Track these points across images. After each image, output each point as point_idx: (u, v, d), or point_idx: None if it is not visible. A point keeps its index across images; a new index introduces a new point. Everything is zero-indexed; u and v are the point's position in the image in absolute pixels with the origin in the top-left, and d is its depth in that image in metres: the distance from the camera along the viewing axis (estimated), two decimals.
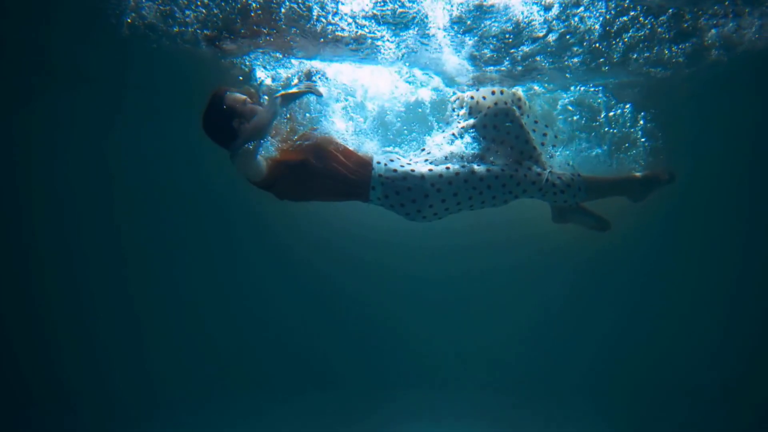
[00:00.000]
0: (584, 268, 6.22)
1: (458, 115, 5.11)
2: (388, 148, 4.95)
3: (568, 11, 5.45)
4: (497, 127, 4.82)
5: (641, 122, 6.59)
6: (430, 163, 4.77)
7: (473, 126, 4.84)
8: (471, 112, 5.01)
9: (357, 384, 6.97)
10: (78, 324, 7.32)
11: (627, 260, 6.10)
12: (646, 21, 6.06)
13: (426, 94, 6.64)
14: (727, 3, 5.49)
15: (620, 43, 5.96)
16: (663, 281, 6.76)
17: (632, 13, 5.87)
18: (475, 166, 4.64)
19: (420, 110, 6.51)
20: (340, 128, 4.98)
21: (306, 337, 7.09)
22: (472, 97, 5.02)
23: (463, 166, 4.61)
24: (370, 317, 6.95)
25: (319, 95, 4.51)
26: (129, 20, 5.43)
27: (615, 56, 6.17)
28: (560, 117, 6.56)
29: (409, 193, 4.46)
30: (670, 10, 5.89)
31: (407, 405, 6.90)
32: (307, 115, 4.90)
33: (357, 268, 6.81)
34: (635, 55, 6.26)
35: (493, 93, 4.96)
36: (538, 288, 6.71)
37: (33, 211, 7.39)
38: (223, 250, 7.56)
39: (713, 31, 5.92)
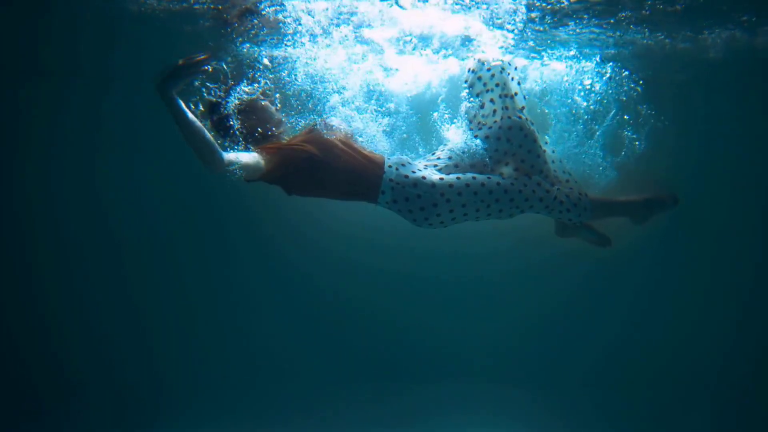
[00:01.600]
0: (596, 266, 6.10)
1: (465, 82, 5.12)
2: (394, 157, 4.89)
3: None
4: (510, 141, 4.80)
5: (638, 88, 6.44)
6: (440, 170, 4.76)
7: (486, 137, 4.82)
8: (471, 87, 5.02)
9: (372, 379, 6.92)
10: (80, 319, 7.17)
11: (639, 257, 5.97)
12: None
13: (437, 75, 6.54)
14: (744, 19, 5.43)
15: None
16: (676, 278, 6.61)
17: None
18: (486, 179, 4.63)
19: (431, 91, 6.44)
20: (350, 122, 4.91)
21: (315, 335, 7.01)
22: (472, 71, 5.03)
23: (474, 177, 4.59)
24: (391, 318, 6.85)
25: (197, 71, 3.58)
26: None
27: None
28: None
29: (418, 200, 4.44)
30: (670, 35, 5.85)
31: (421, 398, 6.86)
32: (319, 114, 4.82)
33: (373, 271, 6.75)
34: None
35: (489, 70, 4.91)
36: (550, 287, 6.67)
37: (31, 207, 7.16)
38: (232, 247, 7.33)
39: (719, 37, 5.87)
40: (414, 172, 4.52)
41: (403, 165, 4.57)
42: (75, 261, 7.05)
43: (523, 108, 4.91)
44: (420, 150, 5.56)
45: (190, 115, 3.58)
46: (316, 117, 5.00)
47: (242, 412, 6.73)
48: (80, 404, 6.79)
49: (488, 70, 4.98)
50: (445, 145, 5.07)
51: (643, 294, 6.70)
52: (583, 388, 6.85)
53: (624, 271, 5.94)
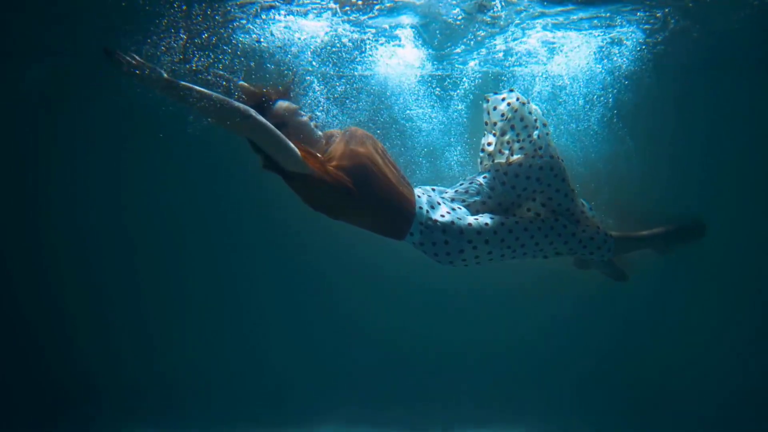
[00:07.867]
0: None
1: (489, 124, 5.00)
2: (424, 195, 4.77)
3: None
4: (540, 180, 4.76)
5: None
6: (468, 207, 4.74)
7: (516, 174, 4.77)
8: (495, 125, 4.91)
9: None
10: (96, 315, 7.14)
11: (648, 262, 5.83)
12: None
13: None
14: None
15: None
16: (685, 279, 6.42)
17: None
18: (514, 224, 4.63)
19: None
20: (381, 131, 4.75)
21: (324, 347, 7.04)
22: (503, 115, 4.87)
23: (502, 224, 4.58)
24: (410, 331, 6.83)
25: None
26: None
27: None
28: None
29: (445, 246, 4.46)
30: None
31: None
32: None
33: (392, 285, 6.72)
34: None
35: (522, 119, 4.73)
36: (552, 301, 6.62)
37: (50, 208, 6.90)
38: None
39: None
40: (443, 216, 4.50)
41: (432, 207, 4.55)
42: (93, 259, 6.98)
43: (549, 142, 4.79)
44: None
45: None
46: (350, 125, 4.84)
47: (266, 416, 6.90)
48: (99, 397, 6.97)
49: (508, 104, 4.83)
50: (473, 177, 5.01)
51: (650, 299, 6.69)
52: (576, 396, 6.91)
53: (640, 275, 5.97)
